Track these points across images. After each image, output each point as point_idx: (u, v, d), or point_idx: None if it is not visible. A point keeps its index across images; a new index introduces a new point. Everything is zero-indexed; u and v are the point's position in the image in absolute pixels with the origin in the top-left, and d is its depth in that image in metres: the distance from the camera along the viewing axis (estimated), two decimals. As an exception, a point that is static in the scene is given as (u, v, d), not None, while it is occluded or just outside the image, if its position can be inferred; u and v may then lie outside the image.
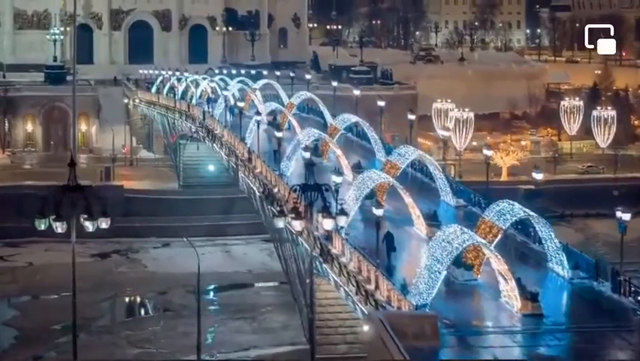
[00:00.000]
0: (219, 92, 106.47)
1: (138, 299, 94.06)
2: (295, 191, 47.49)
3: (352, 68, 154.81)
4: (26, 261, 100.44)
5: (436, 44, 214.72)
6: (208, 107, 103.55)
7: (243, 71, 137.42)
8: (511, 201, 48.66)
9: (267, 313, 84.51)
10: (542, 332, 41.46)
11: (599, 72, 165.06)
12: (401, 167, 64.13)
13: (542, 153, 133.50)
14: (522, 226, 51.77)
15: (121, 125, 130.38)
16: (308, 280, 53.66)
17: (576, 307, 45.50)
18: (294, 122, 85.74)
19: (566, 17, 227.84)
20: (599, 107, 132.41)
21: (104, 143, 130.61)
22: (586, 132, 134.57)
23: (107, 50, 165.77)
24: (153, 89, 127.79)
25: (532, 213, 47.93)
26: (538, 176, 77.30)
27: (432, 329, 38.51)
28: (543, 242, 48.28)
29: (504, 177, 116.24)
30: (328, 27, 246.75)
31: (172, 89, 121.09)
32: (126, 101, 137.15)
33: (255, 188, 73.76)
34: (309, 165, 51.59)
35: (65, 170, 37.15)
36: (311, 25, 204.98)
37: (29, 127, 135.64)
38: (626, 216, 49.59)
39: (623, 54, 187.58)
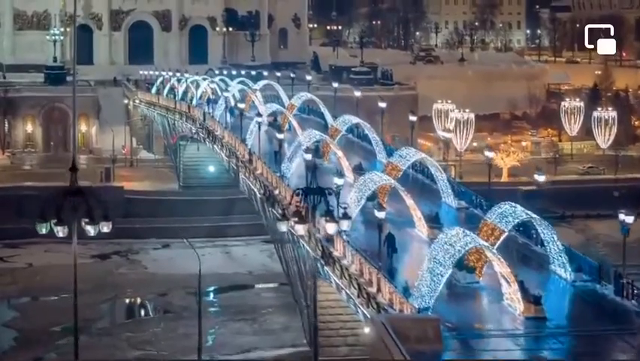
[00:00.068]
0: (220, 93, 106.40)
1: (138, 301, 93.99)
2: (298, 195, 47.32)
3: (352, 69, 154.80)
4: (26, 262, 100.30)
5: (436, 45, 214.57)
6: (208, 108, 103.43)
7: (243, 72, 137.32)
8: (514, 204, 48.51)
9: (268, 315, 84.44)
10: (545, 335, 41.40)
11: (600, 73, 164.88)
12: (402, 168, 64.09)
13: (543, 153, 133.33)
14: (524, 228, 51.58)
15: (121, 126, 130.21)
16: (310, 283, 53.44)
17: (579, 310, 45.39)
18: (295, 124, 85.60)
19: (566, 18, 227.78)
20: (599, 108, 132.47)
21: (104, 144, 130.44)
22: (586, 133, 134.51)
23: (107, 50, 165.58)
24: (153, 90, 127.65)
25: (534, 215, 47.81)
26: (541, 178, 77.05)
27: (434, 332, 38.41)
28: (545, 244, 48.12)
29: (504, 178, 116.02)
30: (328, 27, 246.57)
31: (172, 89, 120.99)
32: (126, 101, 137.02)
33: (255, 189, 73.60)
34: (312, 168, 51.43)
35: (65, 170, 37.03)
36: (311, 25, 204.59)
37: (29, 128, 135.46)
38: (629, 219, 49.37)
39: (624, 54, 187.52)
